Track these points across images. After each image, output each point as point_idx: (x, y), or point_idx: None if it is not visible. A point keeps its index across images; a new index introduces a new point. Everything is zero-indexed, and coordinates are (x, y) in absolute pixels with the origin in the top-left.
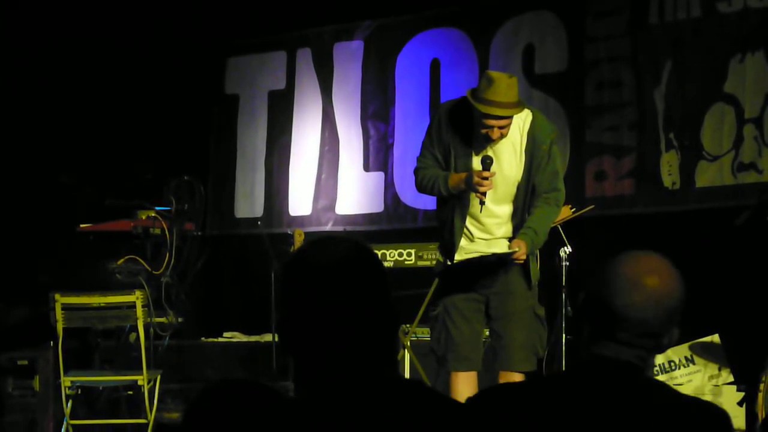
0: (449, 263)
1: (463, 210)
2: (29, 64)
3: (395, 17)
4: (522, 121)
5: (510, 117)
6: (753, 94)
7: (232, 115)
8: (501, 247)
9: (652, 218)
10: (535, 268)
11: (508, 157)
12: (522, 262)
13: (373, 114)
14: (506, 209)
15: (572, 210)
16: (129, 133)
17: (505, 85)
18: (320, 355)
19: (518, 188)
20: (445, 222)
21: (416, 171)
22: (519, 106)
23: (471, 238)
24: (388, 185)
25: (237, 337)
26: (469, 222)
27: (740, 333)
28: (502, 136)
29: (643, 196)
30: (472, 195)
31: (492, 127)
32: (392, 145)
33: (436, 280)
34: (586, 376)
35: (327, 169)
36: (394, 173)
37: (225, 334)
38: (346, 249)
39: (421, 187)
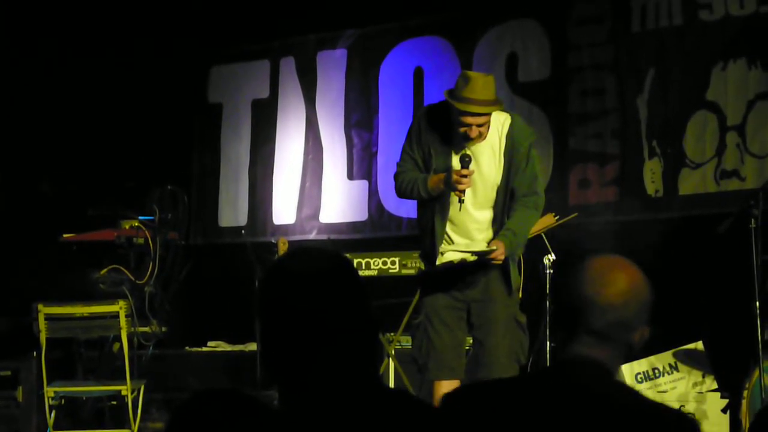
0: (430, 269)
1: (444, 214)
2: (11, 72)
3: (378, 26)
4: (501, 124)
5: (488, 114)
6: (735, 101)
7: (216, 124)
8: (481, 247)
9: (635, 225)
10: (515, 274)
11: (488, 159)
12: (500, 262)
13: (356, 122)
14: (486, 214)
15: (556, 218)
16: (112, 141)
17: (481, 83)
18: (302, 365)
19: (497, 192)
20: (425, 228)
21: (396, 176)
22: (496, 104)
23: (451, 243)
24: (372, 194)
25: (221, 346)
26: (449, 228)
27: (724, 340)
28: (481, 135)
29: (626, 204)
30: (452, 197)
31: (470, 125)
32: (376, 153)
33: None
34: (556, 375)
35: (311, 178)
36: (378, 182)
37: (209, 344)
38: (323, 260)
39: (401, 192)
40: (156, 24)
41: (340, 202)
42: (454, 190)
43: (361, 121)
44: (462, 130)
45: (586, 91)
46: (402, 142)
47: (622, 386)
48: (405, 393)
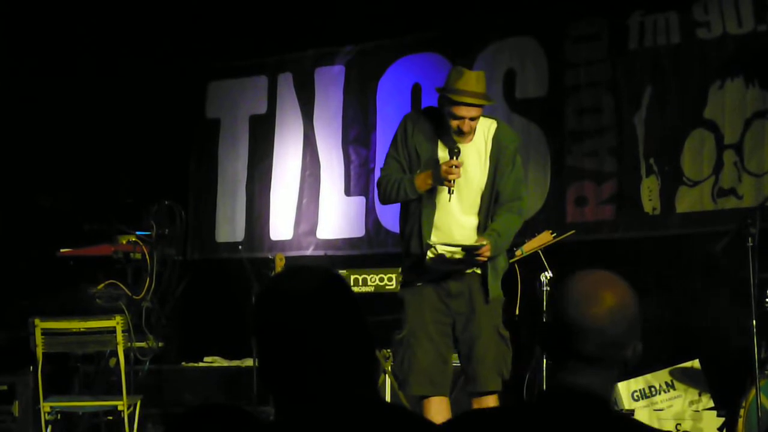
0: (415, 280)
1: (430, 218)
2: (9, 86)
3: (376, 42)
4: (486, 128)
5: (481, 108)
6: (732, 119)
7: (213, 140)
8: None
9: (632, 243)
10: (494, 284)
11: (474, 162)
12: (484, 260)
13: (354, 139)
14: (472, 220)
15: (553, 235)
16: (110, 156)
17: (475, 77)
18: (298, 381)
19: (482, 198)
20: (410, 233)
21: (380, 181)
22: (489, 99)
23: (436, 251)
24: (369, 210)
25: (218, 361)
26: (434, 234)
27: (721, 359)
28: (472, 130)
29: (623, 222)
30: (438, 197)
31: (463, 118)
32: (373, 169)
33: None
34: (552, 407)
35: (308, 194)
36: (375, 198)
37: (206, 359)
38: (316, 279)
39: (386, 194)
40: (154, 40)
41: (338, 218)
42: (442, 182)
43: (358, 138)
44: (455, 124)
45: (584, 108)
46: None
47: (621, 417)
48: (402, 408)
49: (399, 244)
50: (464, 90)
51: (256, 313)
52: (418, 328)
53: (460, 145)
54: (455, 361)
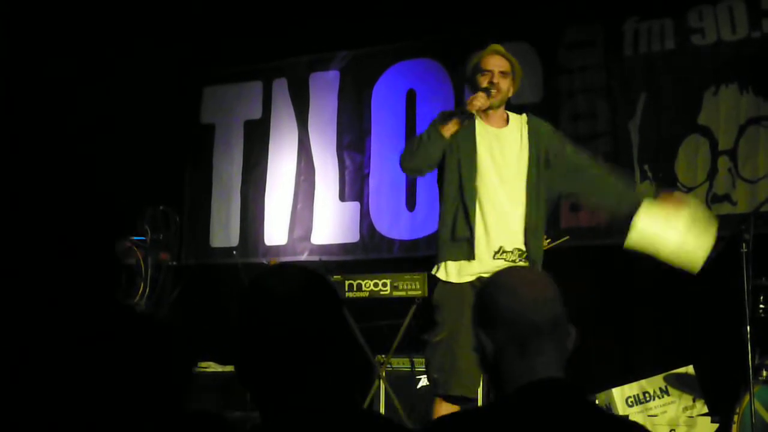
0: (454, 281)
1: (472, 193)
2: (3, 90)
3: (371, 48)
4: (519, 119)
5: (509, 62)
6: (727, 126)
7: (208, 145)
8: (514, 245)
9: (626, 249)
10: None
11: (513, 148)
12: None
13: (348, 144)
14: (519, 210)
15: (547, 241)
16: (104, 161)
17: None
18: (279, 384)
19: (528, 184)
20: (446, 214)
21: (402, 154)
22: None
23: (487, 233)
24: (364, 215)
25: (212, 367)
26: (479, 209)
27: (715, 364)
28: (502, 89)
29: (618, 227)
30: (479, 176)
31: (492, 71)
32: (368, 175)
33: (413, 308)
34: (530, 401)
35: (303, 199)
36: (370, 203)
37: (200, 365)
38: (299, 277)
39: (409, 157)
40: (149, 45)
41: (332, 223)
42: (465, 116)
43: (353, 143)
44: (485, 80)
45: (578, 114)
46: (394, 164)
47: (594, 406)
48: (378, 415)
49: (408, 251)
50: (491, 48)
51: (241, 311)
52: (458, 330)
53: (498, 131)
54: None
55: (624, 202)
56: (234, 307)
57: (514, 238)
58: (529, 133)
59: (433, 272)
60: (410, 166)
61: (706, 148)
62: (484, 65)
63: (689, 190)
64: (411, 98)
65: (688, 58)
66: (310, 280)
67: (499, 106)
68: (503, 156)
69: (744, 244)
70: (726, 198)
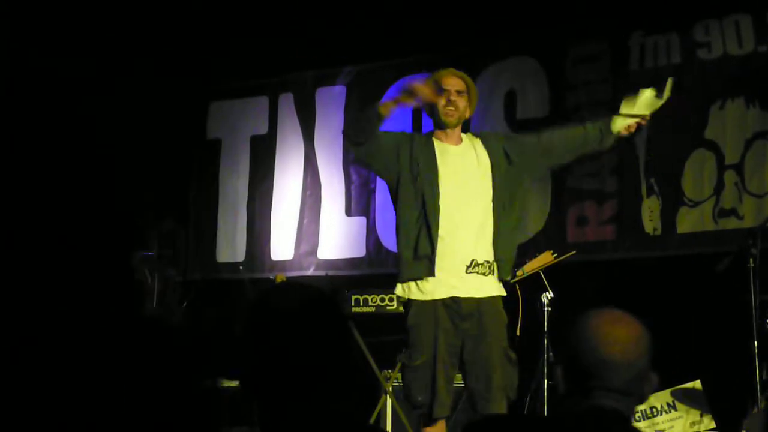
0: (430, 298)
1: (435, 211)
2: (6, 107)
3: (377, 63)
4: (470, 139)
5: (464, 81)
6: (733, 140)
7: (214, 160)
8: (484, 258)
9: (633, 264)
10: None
11: (470, 162)
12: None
13: (354, 159)
14: (488, 222)
15: (554, 255)
16: (111, 177)
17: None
18: (282, 400)
19: (494, 193)
20: (408, 233)
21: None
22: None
23: (455, 250)
24: (370, 230)
25: (219, 382)
26: (444, 227)
27: (722, 379)
28: (459, 108)
29: (624, 242)
30: (441, 194)
31: (449, 90)
32: (374, 190)
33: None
34: (580, 424)
35: (309, 214)
36: (376, 218)
37: None
38: (304, 295)
39: (349, 127)
40: (155, 60)
41: (338, 238)
42: (409, 90)
43: None
44: (443, 101)
45: None
46: None
47: None
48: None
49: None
50: (448, 70)
51: (246, 327)
52: (437, 354)
53: (456, 148)
54: (458, 382)
55: (590, 132)
56: (240, 322)
57: (484, 251)
58: (483, 144)
59: (396, 292)
60: (348, 132)
61: (713, 162)
62: (445, 81)
63: (696, 204)
64: (417, 112)
65: (694, 73)
66: (314, 298)
67: (456, 125)
68: (465, 171)
69: (751, 259)
70: (733, 212)
